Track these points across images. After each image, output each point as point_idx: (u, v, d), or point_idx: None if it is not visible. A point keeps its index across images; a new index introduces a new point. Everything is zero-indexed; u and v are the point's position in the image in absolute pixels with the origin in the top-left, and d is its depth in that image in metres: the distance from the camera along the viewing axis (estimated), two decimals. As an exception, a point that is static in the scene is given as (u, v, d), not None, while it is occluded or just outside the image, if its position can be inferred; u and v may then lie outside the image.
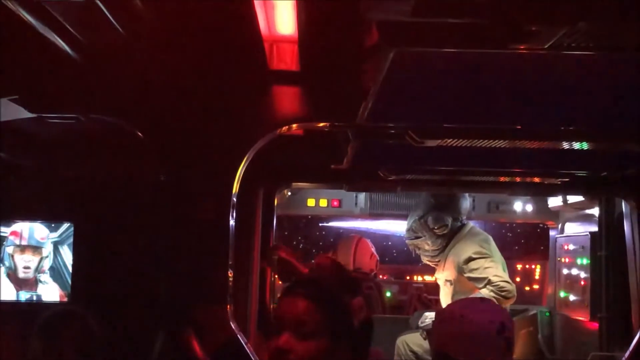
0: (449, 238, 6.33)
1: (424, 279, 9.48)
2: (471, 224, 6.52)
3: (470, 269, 6.00)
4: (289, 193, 6.62)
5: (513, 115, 3.51)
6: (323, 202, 7.03)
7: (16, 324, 4.27)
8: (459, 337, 2.73)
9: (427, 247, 6.47)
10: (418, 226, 6.43)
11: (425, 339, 6.23)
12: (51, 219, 4.80)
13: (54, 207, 4.78)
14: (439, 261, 6.45)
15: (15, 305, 4.66)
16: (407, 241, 6.64)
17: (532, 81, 3.02)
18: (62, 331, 3.48)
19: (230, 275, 3.90)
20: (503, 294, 5.75)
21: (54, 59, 3.27)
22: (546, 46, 2.36)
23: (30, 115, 3.75)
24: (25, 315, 4.27)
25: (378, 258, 8.28)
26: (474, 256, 6.03)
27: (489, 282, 5.83)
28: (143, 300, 4.26)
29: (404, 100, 3.31)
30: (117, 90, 3.74)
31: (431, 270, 6.94)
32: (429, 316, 6.20)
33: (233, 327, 3.80)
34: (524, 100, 3.28)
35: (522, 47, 2.41)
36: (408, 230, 6.56)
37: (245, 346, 3.74)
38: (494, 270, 5.91)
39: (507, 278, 5.91)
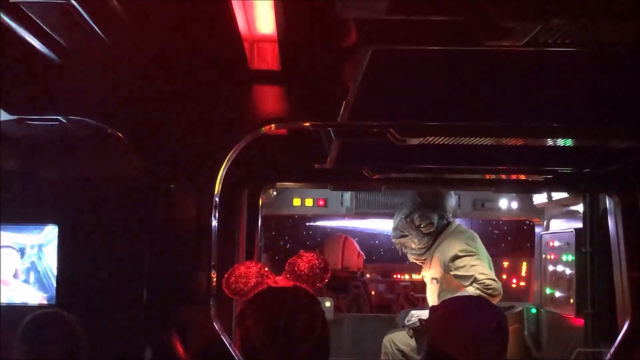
0: (435, 236, 6.33)
1: (410, 278, 9.52)
2: (457, 222, 6.53)
3: (457, 266, 6.00)
4: (275, 193, 6.62)
5: (495, 112, 3.51)
6: (309, 202, 7.03)
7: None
8: (456, 335, 2.72)
9: (413, 246, 6.46)
10: (404, 224, 6.41)
11: (411, 337, 6.25)
12: (35, 221, 4.78)
13: (37, 210, 4.76)
14: (425, 259, 6.44)
15: None
16: (393, 240, 6.63)
17: (512, 78, 3.03)
18: (46, 334, 3.46)
19: (213, 275, 3.89)
20: (489, 291, 5.76)
21: (34, 62, 3.26)
22: (522, 43, 2.37)
23: (11, 117, 3.73)
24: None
25: (364, 257, 8.31)
26: (460, 254, 6.03)
27: (475, 280, 5.83)
28: (127, 302, 4.25)
29: (384, 98, 3.32)
30: (98, 93, 3.73)
31: (418, 269, 6.94)
32: (415, 314, 6.23)
33: (216, 327, 3.80)
34: (504, 97, 3.29)
35: (498, 44, 2.41)
36: (394, 229, 6.55)
37: (228, 346, 3.74)
38: (480, 268, 5.92)
39: (493, 276, 5.92)
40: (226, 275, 2.72)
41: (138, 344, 3.91)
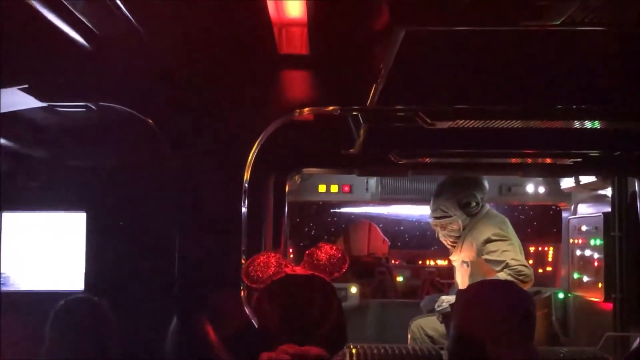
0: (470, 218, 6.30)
1: (436, 263, 9.49)
2: (488, 206, 6.49)
3: (488, 251, 5.98)
4: (300, 179, 6.61)
5: (525, 94, 3.49)
6: (334, 188, 7.02)
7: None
8: (483, 319, 2.70)
9: (455, 227, 6.37)
10: (450, 205, 6.33)
11: (441, 322, 6.22)
12: (63, 208, 4.81)
13: (66, 197, 4.79)
14: (456, 243, 6.40)
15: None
16: (432, 221, 6.53)
17: (544, 59, 3.00)
18: (77, 319, 3.49)
19: (243, 261, 3.90)
20: (521, 277, 5.73)
21: (65, 48, 3.27)
22: (558, 22, 2.34)
23: (41, 104, 3.75)
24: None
25: (389, 243, 8.30)
26: (493, 238, 6.00)
27: (507, 266, 5.81)
28: (156, 288, 4.27)
29: (415, 81, 3.30)
30: (128, 79, 3.73)
31: (443, 255, 6.91)
32: (446, 299, 6.18)
33: (247, 311, 3.81)
34: (535, 79, 3.26)
35: (533, 23, 2.39)
36: (436, 209, 6.43)
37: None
38: (512, 253, 5.89)
39: (524, 262, 5.89)
40: (246, 264, 2.78)
41: (168, 329, 3.92)
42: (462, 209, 6.29)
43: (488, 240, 6.01)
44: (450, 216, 6.34)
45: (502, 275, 5.76)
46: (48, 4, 2.79)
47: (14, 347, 4.26)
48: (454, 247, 6.45)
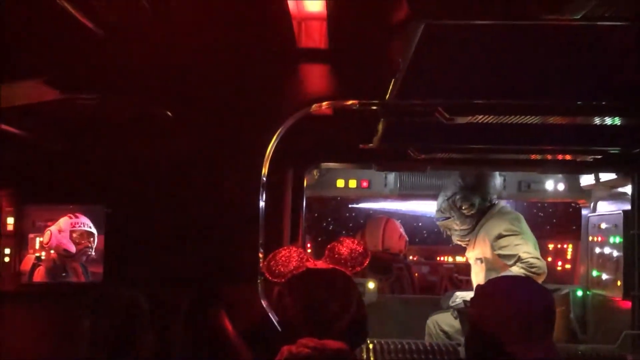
0: (478, 217, 6.32)
1: (454, 260, 9.47)
2: (502, 203, 6.49)
3: (500, 246, 5.99)
4: (318, 174, 6.61)
5: (545, 90, 3.47)
6: (352, 183, 7.00)
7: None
8: (503, 315, 2.68)
9: (456, 227, 6.46)
10: (447, 206, 6.43)
11: (456, 318, 6.23)
12: (82, 201, 4.83)
13: (84, 190, 4.80)
14: (469, 240, 6.43)
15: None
16: (437, 222, 6.64)
17: (564, 54, 2.98)
18: (113, 310, 3.48)
19: (261, 254, 3.91)
20: (533, 270, 5.73)
21: (83, 40, 3.28)
22: (578, 17, 2.33)
23: (60, 96, 3.76)
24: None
25: (407, 239, 8.28)
26: (504, 233, 6.01)
27: (519, 259, 5.81)
28: (175, 280, 4.28)
29: (434, 76, 3.28)
30: (146, 71, 3.75)
31: (461, 251, 6.91)
32: (460, 296, 6.21)
33: (264, 304, 3.82)
34: (556, 74, 3.24)
35: (554, 18, 2.37)
36: (437, 210, 6.57)
37: (276, 324, 3.75)
38: (524, 247, 5.89)
39: (537, 255, 5.88)
40: (268, 259, 2.79)
41: (186, 321, 3.93)
42: (458, 210, 6.31)
43: (500, 236, 6.03)
44: (449, 217, 6.39)
45: (515, 269, 5.76)
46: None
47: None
48: (466, 245, 6.47)
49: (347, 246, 2.85)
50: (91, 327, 3.32)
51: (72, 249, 4.76)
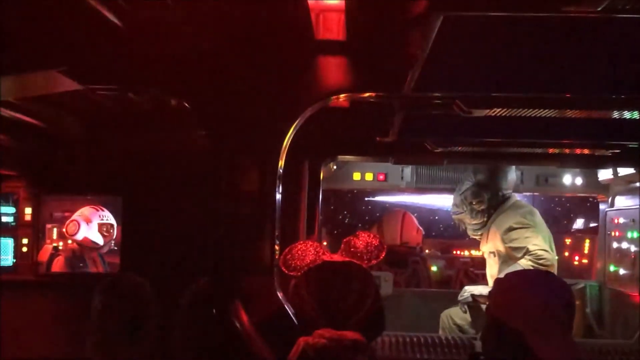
0: (489, 212, 6.33)
1: (470, 254, 9.46)
2: (516, 197, 6.48)
3: (511, 238, 5.99)
4: (335, 167, 6.61)
5: (563, 83, 3.44)
6: (369, 176, 6.99)
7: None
8: (522, 308, 2.66)
9: (468, 222, 6.49)
10: (459, 201, 6.47)
11: (465, 312, 6.25)
12: (100, 192, 4.86)
13: (102, 181, 4.83)
14: (481, 234, 6.44)
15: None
16: (453, 216, 6.67)
17: (584, 47, 2.96)
18: (119, 296, 3.50)
19: (277, 247, 3.91)
20: (540, 262, 5.71)
21: (101, 30, 3.28)
22: (599, 9, 2.31)
23: (79, 87, 3.78)
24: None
25: (424, 232, 8.27)
26: (515, 226, 6.02)
27: (527, 252, 5.80)
28: (191, 273, 4.30)
29: (452, 68, 3.27)
30: (165, 63, 3.75)
31: (477, 245, 6.91)
32: (468, 290, 6.25)
33: (280, 297, 3.83)
34: (574, 67, 3.22)
35: (574, 9, 2.35)
36: (453, 205, 6.60)
37: (292, 316, 3.76)
38: (533, 239, 5.88)
39: (546, 247, 5.85)
40: (284, 253, 2.80)
41: (202, 313, 3.94)
42: (469, 205, 6.33)
43: (510, 229, 6.04)
44: (462, 212, 6.41)
45: (523, 262, 5.77)
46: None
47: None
48: (480, 238, 6.48)
49: (363, 239, 2.86)
50: (100, 313, 3.35)
51: (101, 241, 4.80)
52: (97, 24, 3.14)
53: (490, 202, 6.31)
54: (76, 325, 3.43)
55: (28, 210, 4.83)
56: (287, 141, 3.84)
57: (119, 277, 3.68)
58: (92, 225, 4.81)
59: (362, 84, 3.79)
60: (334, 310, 2.58)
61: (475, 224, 6.43)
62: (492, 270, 6.28)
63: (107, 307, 3.34)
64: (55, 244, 4.84)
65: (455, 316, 6.40)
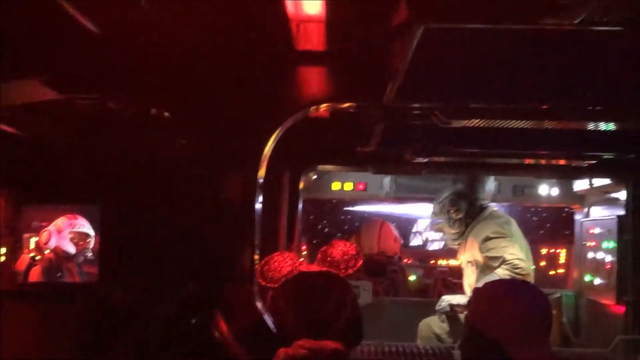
0: (467, 221, 6.36)
1: (448, 263, 9.50)
2: (493, 206, 6.52)
3: (488, 248, 6.02)
4: (315, 176, 6.63)
5: (540, 94, 3.48)
6: (348, 186, 7.02)
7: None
8: (500, 319, 2.68)
9: (447, 230, 6.53)
10: (438, 210, 6.50)
11: (442, 322, 6.28)
12: (78, 201, 4.83)
13: (81, 190, 4.80)
14: (459, 243, 6.47)
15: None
16: (432, 225, 6.71)
17: (561, 59, 3.00)
18: (95, 311, 3.50)
19: (256, 256, 3.91)
20: (517, 271, 5.74)
21: (81, 39, 3.27)
22: (576, 21, 2.34)
23: (58, 96, 3.76)
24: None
25: (402, 241, 8.31)
26: (492, 235, 6.05)
27: (504, 261, 5.83)
28: (170, 281, 4.29)
29: (432, 79, 3.30)
30: (144, 71, 3.74)
31: (455, 255, 6.95)
32: (446, 299, 6.28)
33: (260, 306, 3.82)
34: (552, 78, 3.25)
35: (552, 22, 2.39)
36: (432, 213, 6.64)
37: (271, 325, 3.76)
38: (510, 249, 5.91)
39: (522, 256, 5.88)
40: (261, 265, 2.82)
41: (181, 323, 3.93)
42: (447, 214, 6.38)
43: (487, 238, 6.07)
44: (441, 220, 6.45)
45: (500, 271, 5.79)
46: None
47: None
48: (458, 247, 6.52)
49: (339, 249, 2.87)
50: (73, 325, 3.34)
51: (72, 250, 4.77)
52: (78, 33, 3.13)
53: (468, 211, 6.36)
54: (53, 334, 3.42)
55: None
56: (267, 150, 3.85)
57: (87, 291, 3.66)
58: (63, 234, 4.77)
59: (343, 94, 3.81)
60: (312, 320, 2.59)
61: (453, 233, 6.47)
62: (470, 280, 6.31)
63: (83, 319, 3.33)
64: (33, 254, 4.80)
65: (434, 325, 6.42)
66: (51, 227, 4.78)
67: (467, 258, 6.34)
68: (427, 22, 2.45)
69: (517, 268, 5.77)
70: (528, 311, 2.70)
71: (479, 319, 2.77)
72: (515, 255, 5.86)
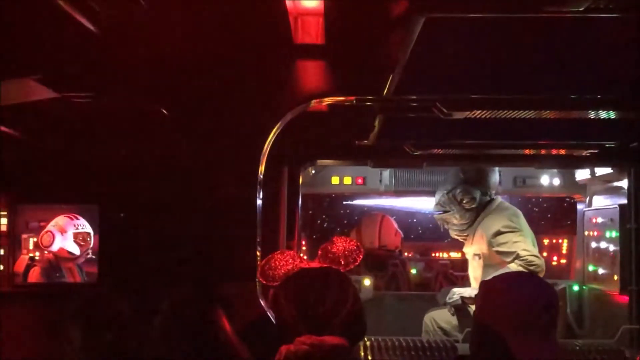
0: (477, 212, 6.32)
1: (449, 256, 9.48)
2: (500, 198, 6.49)
3: (499, 242, 5.98)
4: (313, 171, 6.59)
5: (542, 84, 3.45)
6: (347, 180, 6.98)
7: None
8: (507, 311, 2.67)
9: (455, 222, 6.46)
10: (446, 200, 6.42)
11: (453, 314, 6.24)
12: (76, 201, 4.79)
13: (79, 189, 4.76)
14: (467, 235, 6.43)
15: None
16: (435, 216, 6.63)
17: (564, 48, 2.97)
18: (92, 314, 3.46)
19: (258, 253, 3.89)
20: (531, 267, 5.72)
21: (78, 38, 3.24)
22: (582, 8, 2.30)
23: (54, 95, 3.73)
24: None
25: (402, 235, 8.27)
26: (503, 230, 6.01)
27: (518, 257, 5.80)
28: (171, 280, 4.26)
29: (432, 70, 3.27)
30: (141, 69, 3.71)
31: (456, 247, 6.91)
32: (457, 292, 6.22)
33: (262, 303, 3.80)
34: (554, 68, 3.22)
35: (556, 10, 2.35)
36: (436, 204, 6.55)
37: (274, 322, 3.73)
38: (523, 244, 5.89)
39: (535, 252, 5.88)
40: (262, 264, 2.81)
41: (183, 321, 3.90)
42: (458, 204, 6.32)
43: (498, 233, 6.02)
44: (448, 211, 6.40)
45: (513, 266, 5.76)
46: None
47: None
48: (465, 240, 6.47)
49: (339, 245, 2.87)
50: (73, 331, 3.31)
51: (77, 251, 4.73)
52: (75, 32, 3.10)
53: (480, 201, 6.31)
54: (53, 336, 3.38)
55: (3, 221, 4.75)
56: (267, 146, 3.81)
57: (86, 295, 3.62)
58: (67, 235, 4.73)
59: (342, 88, 3.77)
60: (314, 316, 2.57)
61: (463, 223, 6.40)
62: (476, 273, 6.27)
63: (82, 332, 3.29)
64: (31, 254, 4.76)
65: (440, 319, 6.38)
66: (52, 228, 4.74)
67: (475, 251, 6.30)
68: (427, 12, 2.42)
69: (532, 265, 5.74)
70: (533, 304, 2.69)
71: (486, 312, 2.76)
72: (529, 251, 5.84)
